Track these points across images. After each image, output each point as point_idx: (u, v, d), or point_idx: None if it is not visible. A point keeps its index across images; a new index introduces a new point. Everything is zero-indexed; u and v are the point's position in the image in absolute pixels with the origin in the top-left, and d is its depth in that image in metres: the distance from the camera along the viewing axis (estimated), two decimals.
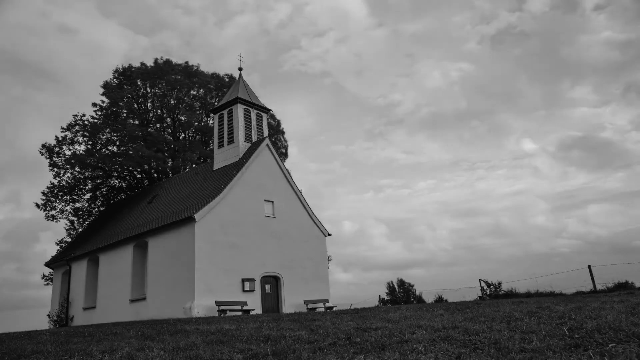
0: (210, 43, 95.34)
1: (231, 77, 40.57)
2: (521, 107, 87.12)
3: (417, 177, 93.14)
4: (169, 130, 39.28)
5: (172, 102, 38.82)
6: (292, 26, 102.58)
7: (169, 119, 39.34)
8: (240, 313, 18.52)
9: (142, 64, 38.79)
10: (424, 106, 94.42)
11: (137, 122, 37.94)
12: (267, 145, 23.75)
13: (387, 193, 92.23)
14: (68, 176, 37.19)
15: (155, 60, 38.99)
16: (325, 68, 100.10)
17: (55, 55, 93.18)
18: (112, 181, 39.60)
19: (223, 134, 24.63)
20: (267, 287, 21.52)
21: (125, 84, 38.76)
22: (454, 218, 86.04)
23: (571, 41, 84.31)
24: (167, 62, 39.04)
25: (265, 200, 22.60)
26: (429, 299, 27.04)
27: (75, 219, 38.44)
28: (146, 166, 37.01)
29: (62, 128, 37.03)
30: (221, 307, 18.57)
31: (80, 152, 36.74)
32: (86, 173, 37.08)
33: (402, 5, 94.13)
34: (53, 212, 37.27)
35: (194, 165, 34.72)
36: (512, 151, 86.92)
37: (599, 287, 17.76)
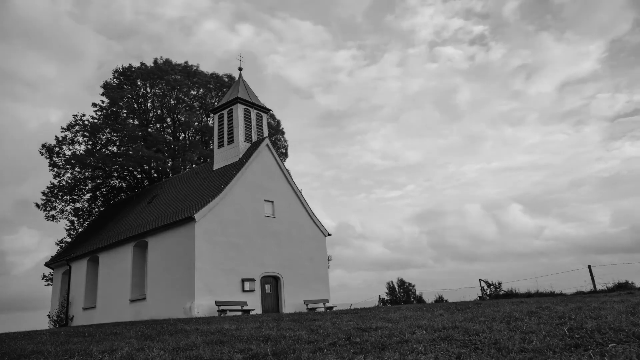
0: (180, 50, 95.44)
1: (231, 77, 40.58)
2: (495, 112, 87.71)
3: (406, 180, 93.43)
4: (169, 130, 39.30)
5: (172, 102, 38.83)
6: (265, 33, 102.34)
7: (169, 119, 39.37)
8: (240, 313, 18.52)
9: (142, 63, 38.82)
10: (401, 112, 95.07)
11: (137, 122, 37.97)
12: (267, 145, 23.76)
13: (377, 195, 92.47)
14: (68, 176, 37.22)
15: (155, 60, 39.03)
16: (304, 73, 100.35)
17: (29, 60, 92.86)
18: (112, 181, 39.58)
19: (223, 134, 24.63)
20: (267, 287, 21.52)
21: (125, 84, 38.78)
22: (445, 219, 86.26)
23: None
24: (167, 62, 39.04)
25: (265, 200, 22.60)
26: (429, 299, 27.03)
27: (76, 219, 38.45)
28: (146, 166, 37.02)
29: (62, 128, 37.13)
30: (221, 307, 18.57)
31: (80, 152, 36.74)
32: (86, 173, 37.07)
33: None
34: (53, 212, 37.30)
35: (194, 165, 34.72)
36: (490, 156, 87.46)
37: (599, 287, 17.74)
